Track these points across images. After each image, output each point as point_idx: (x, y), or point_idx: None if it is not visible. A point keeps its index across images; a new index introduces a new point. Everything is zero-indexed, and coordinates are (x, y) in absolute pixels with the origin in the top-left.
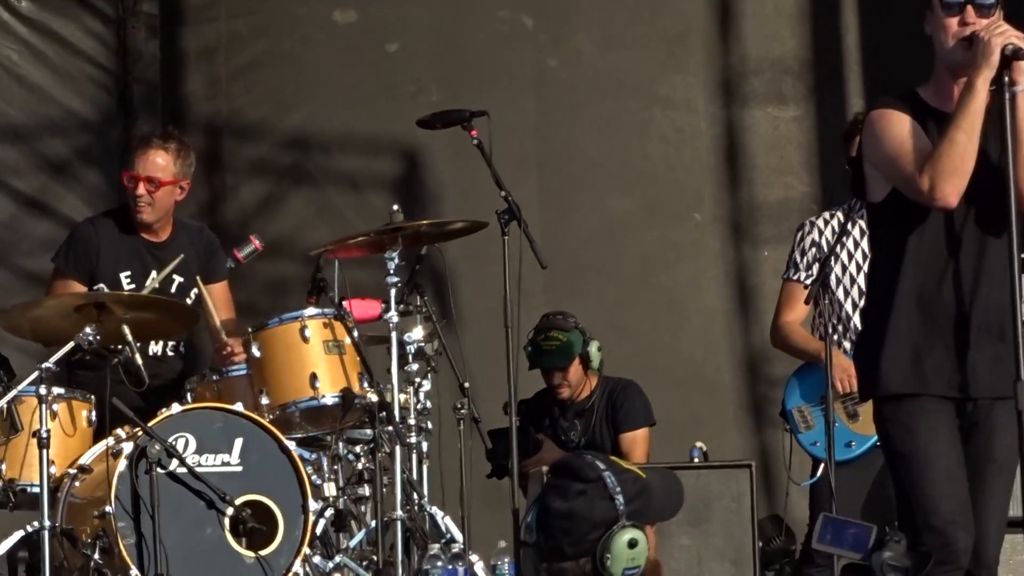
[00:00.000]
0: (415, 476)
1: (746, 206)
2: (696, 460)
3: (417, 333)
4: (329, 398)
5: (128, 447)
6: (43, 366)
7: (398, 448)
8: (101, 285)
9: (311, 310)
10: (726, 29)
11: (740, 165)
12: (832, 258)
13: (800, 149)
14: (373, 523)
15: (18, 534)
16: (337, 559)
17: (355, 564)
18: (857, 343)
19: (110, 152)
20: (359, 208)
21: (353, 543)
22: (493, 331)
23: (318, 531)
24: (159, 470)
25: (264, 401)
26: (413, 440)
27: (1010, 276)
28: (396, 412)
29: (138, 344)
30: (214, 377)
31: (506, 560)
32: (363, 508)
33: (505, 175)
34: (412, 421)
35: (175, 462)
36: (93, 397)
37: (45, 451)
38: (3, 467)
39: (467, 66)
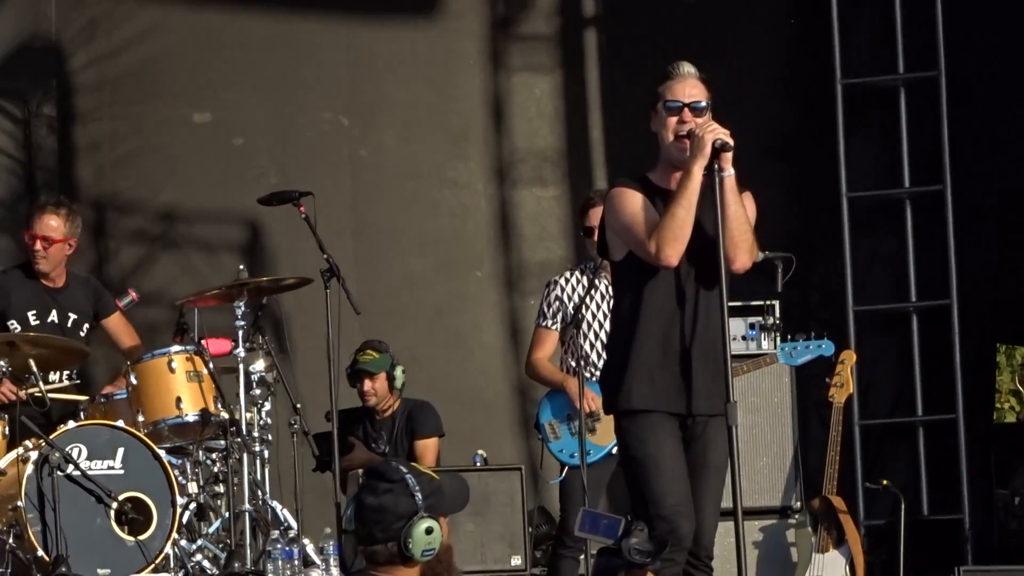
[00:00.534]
0: (259, 477)
1: (516, 265)
2: (478, 464)
3: (259, 365)
4: (191, 416)
5: (34, 455)
6: None
7: (245, 455)
8: (13, 322)
9: (176, 347)
10: (499, 126)
11: (511, 233)
12: (582, 307)
13: (557, 221)
14: (227, 514)
15: None
16: (199, 542)
17: (213, 546)
18: (603, 370)
19: (18, 222)
20: (213, 267)
21: (211, 530)
22: (319, 363)
23: (184, 520)
24: (58, 473)
25: (140, 419)
26: (257, 448)
27: (721, 320)
28: (243, 427)
29: (40, 373)
30: (102, 400)
31: (331, 543)
32: (219, 502)
33: (326, 242)
34: (256, 434)
35: (71, 467)
36: (6, 415)
37: None
38: None
39: (297, 155)
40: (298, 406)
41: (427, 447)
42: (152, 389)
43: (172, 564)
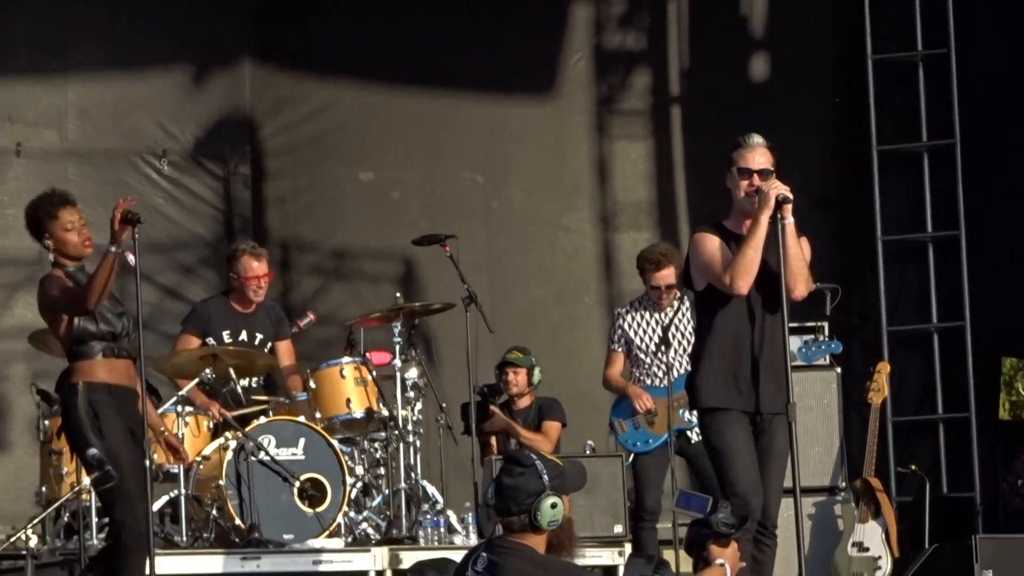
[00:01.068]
0: (412, 461)
1: (616, 294)
2: (587, 452)
3: (413, 373)
4: (358, 413)
5: (233, 444)
6: (179, 394)
7: (401, 444)
8: (211, 340)
9: (346, 359)
10: (603, 184)
11: (612, 269)
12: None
13: None
14: (387, 491)
15: (165, 497)
16: (364, 514)
17: (376, 517)
18: (689, 377)
19: (219, 260)
20: (376, 295)
21: (374, 504)
22: (460, 372)
23: (352, 496)
24: (252, 458)
25: (317, 415)
26: (411, 439)
27: (782, 337)
28: (399, 422)
29: (237, 379)
30: (286, 401)
31: (470, 515)
32: (380, 482)
33: (466, 275)
34: (410, 427)
35: (262, 453)
36: (210, 413)
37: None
38: (155, 457)
39: (442, 206)
40: (443, 405)
41: (552, 427)
42: (327, 392)
43: (343, 531)
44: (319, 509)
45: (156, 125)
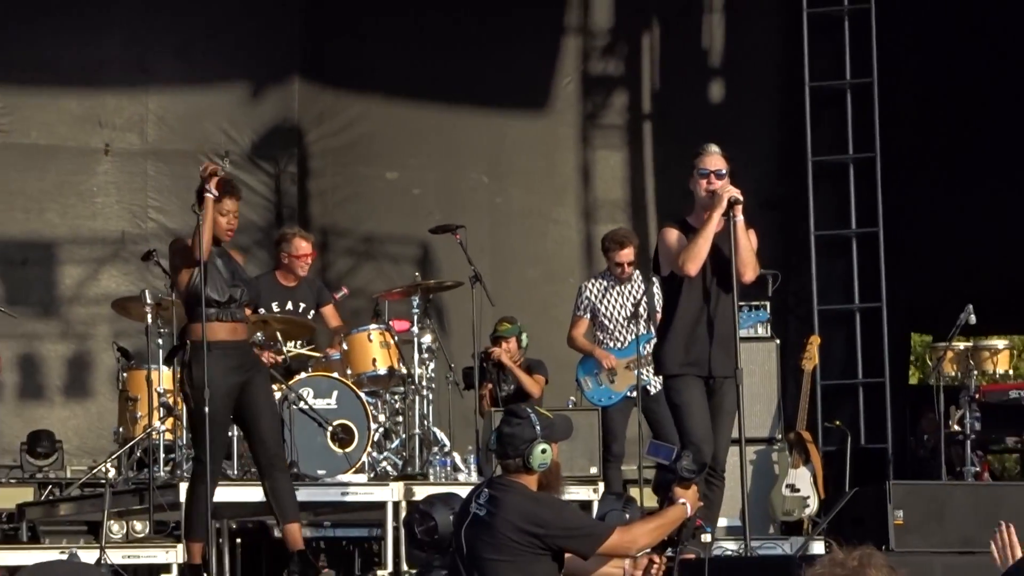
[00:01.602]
0: (425, 411)
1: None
2: (569, 406)
3: (427, 338)
4: (382, 371)
5: (278, 394)
6: None
7: (417, 397)
8: (262, 309)
9: (373, 326)
10: (587, 185)
11: (593, 254)
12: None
13: None
14: (404, 436)
15: None
16: (385, 454)
17: (394, 456)
18: (656, 346)
19: (270, 243)
20: (399, 274)
21: (393, 446)
22: (467, 338)
23: (375, 439)
24: (293, 406)
25: (348, 372)
26: (424, 393)
27: (733, 314)
28: (416, 379)
29: (283, 341)
30: (323, 359)
31: (472, 456)
32: (399, 428)
33: (472, 258)
34: (424, 383)
35: (302, 402)
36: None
37: None
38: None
39: (454, 201)
40: (452, 365)
41: (539, 379)
42: (356, 353)
43: (366, 468)
44: (348, 450)
45: (220, 131)
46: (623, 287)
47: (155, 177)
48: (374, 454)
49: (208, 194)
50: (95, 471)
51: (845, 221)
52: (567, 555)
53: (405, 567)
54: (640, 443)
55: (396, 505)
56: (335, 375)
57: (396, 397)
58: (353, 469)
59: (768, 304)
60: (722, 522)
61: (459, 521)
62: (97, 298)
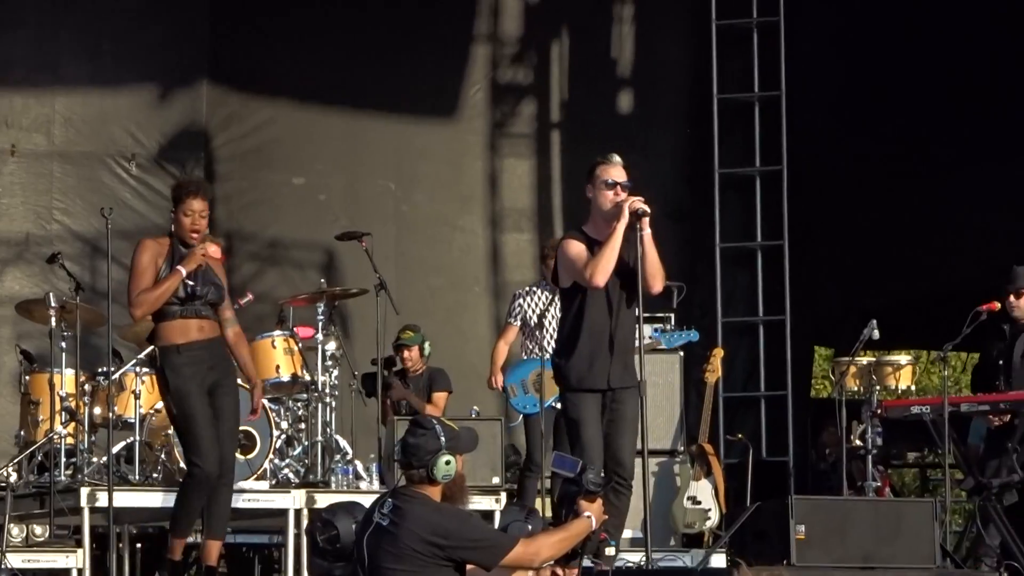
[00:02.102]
0: (327, 419)
1: (500, 284)
2: (472, 416)
3: (332, 345)
4: (285, 377)
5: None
6: (139, 356)
7: (319, 404)
8: None
9: (277, 332)
10: (493, 193)
11: (499, 263)
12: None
13: (528, 256)
14: (306, 443)
15: (122, 443)
16: (287, 461)
17: (296, 464)
18: (554, 357)
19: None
20: (303, 279)
21: (295, 453)
22: (371, 345)
23: (277, 446)
24: None
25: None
26: (327, 400)
27: (634, 326)
28: (319, 386)
29: None
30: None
31: (374, 464)
32: (301, 435)
33: (378, 265)
34: (328, 390)
35: None
36: None
37: (138, 401)
38: (116, 409)
39: (360, 208)
40: (356, 373)
41: (441, 398)
42: (260, 359)
43: (268, 475)
44: (249, 456)
45: (127, 133)
46: (557, 297)
47: (61, 179)
48: (276, 461)
49: (182, 269)
50: None
51: (751, 234)
52: (469, 566)
53: (306, 575)
54: (544, 454)
55: (298, 512)
56: (238, 382)
57: (299, 404)
58: (255, 476)
59: (673, 316)
60: (625, 534)
61: (362, 530)
62: (0, 299)
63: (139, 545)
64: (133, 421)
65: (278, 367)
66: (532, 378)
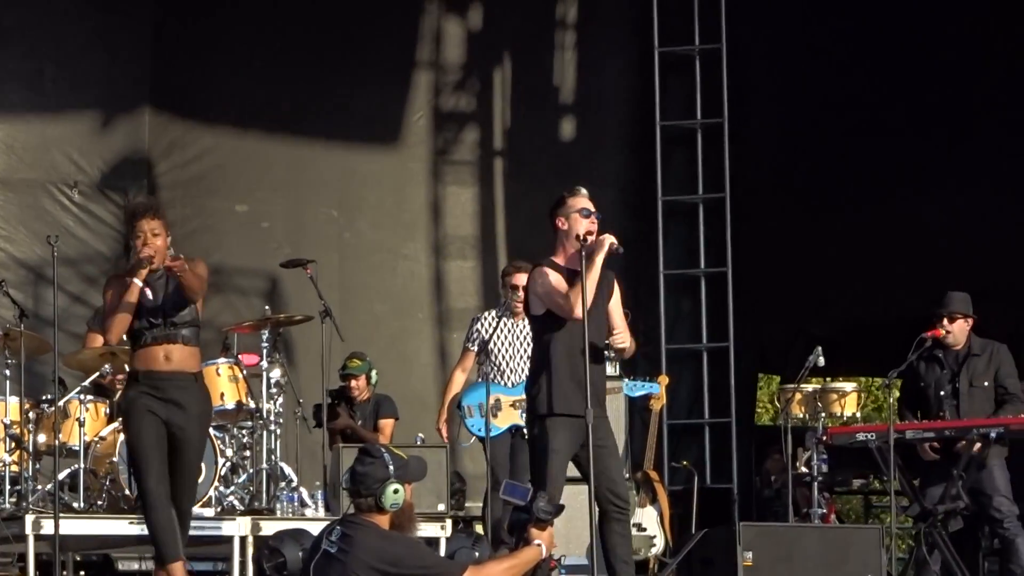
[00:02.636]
0: (272, 446)
1: (444, 311)
2: (417, 443)
3: (276, 373)
4: (230, 405)
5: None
6: (83, 384)
7: (264, 432)
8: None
9: (222, 359)
10: (437, 220)
11: (442, 290)
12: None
13: (472, 283)
14: (251, 470)
15: (67, 470)
16: (232, 488)
17: (241, 491)
18: (528, 387)
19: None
20: (247, 306)
21: (240, 480)
22: (315, 372)
23: (222, 473)
24: None
25: None
26: (272, 428)
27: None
28: (264, 413)
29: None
30: None
31: (319, 492)
32: (246, 462)
33: (322, 292)
34: (272, 418)
35: None
36: (107, 400)
37: (82, 428)
38: (60, 436)
39: (304, 235)
40: (300, 400)
41: (387, 425)
42: None
43: (213, 502)
44: None
45: (69, 160)
46: (516, 323)
47: (2, 206)
48: (221, 488)
49: (137, 281)
50: None
51: (694, 261)
52: None
53: None
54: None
55: (243, 540)
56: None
57: (244, 431)
58: (200, 503)
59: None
60: (569, 560)
61: (310, 558)
62: None
63: (83, 573)
64: (78, 448)
65: (223, 395)
66: (491, 402)
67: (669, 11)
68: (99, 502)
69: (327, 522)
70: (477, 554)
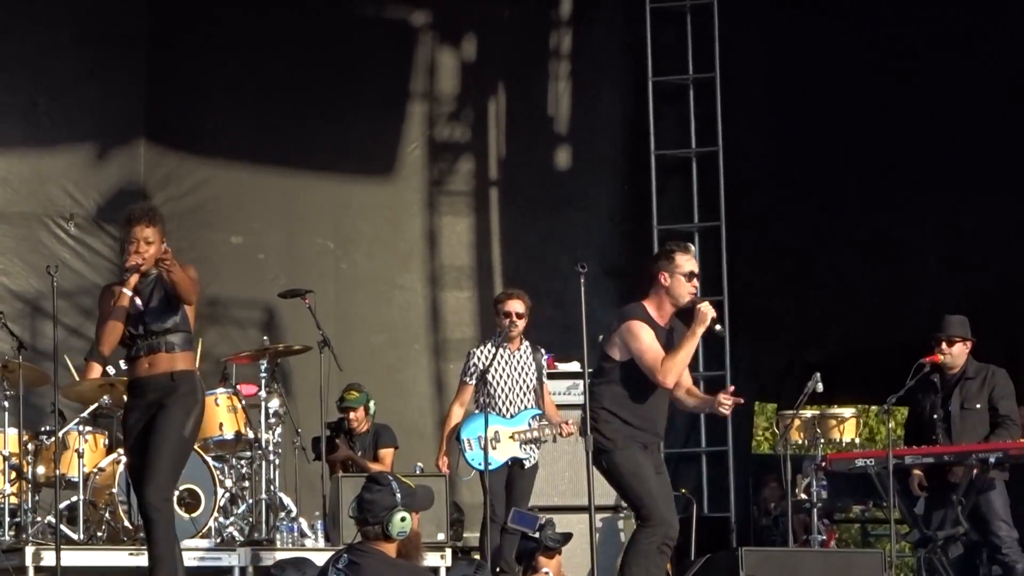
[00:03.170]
0: (272, 476)
1: (440, 342)
2: (416, 472)
3: (275, 403)
4: (228, 435)
5: (124, 458)
6: (82, 415)
7: (263, 462)
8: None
9: (220, 389)
10: (433, 251)
11: (439, 321)
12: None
13: (468, 313)
14: (250, 500)
15: (66, 502)
16: (231, 519)
17: (240, 522)
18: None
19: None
20: (244, 337)
21: (239, 511)
22: (314, 402)
23: (221, 504)
24: None
25: None
26: (271, 458)
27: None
28: (262, 443)
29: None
30: None
31: (319, 522)
32: (245, 493)
33: (320, 323)
34: (271, 448)
35: None
36: (106, 431)
37: (81, 459)
38: (59, 470)
39: (300, 266)
40: (299, 430)
41: (387, 454)
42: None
43: (213, 533)
44: (194, 515)
45: (65, 193)
46: (512, 354)
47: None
48: (220, 519)
49: (125, 290)
50: None
51: None
52: None
53: None
54: (485, 509)
55: (243, 570)
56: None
57: (243, 462)
58: (199, 534)
59: None
60: None
61: None
62: None
63: None
64: (77, 480)
65: (221, 425)
66: (491, 434)
67: (663, 40)
68: (99, 533)
69: (328, 552)
70: None
